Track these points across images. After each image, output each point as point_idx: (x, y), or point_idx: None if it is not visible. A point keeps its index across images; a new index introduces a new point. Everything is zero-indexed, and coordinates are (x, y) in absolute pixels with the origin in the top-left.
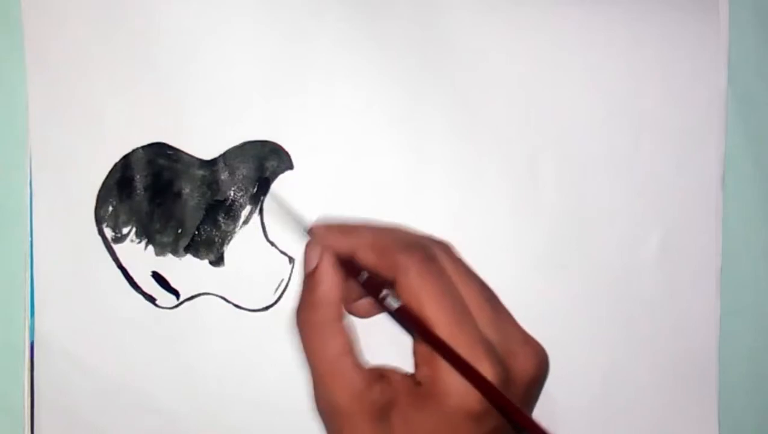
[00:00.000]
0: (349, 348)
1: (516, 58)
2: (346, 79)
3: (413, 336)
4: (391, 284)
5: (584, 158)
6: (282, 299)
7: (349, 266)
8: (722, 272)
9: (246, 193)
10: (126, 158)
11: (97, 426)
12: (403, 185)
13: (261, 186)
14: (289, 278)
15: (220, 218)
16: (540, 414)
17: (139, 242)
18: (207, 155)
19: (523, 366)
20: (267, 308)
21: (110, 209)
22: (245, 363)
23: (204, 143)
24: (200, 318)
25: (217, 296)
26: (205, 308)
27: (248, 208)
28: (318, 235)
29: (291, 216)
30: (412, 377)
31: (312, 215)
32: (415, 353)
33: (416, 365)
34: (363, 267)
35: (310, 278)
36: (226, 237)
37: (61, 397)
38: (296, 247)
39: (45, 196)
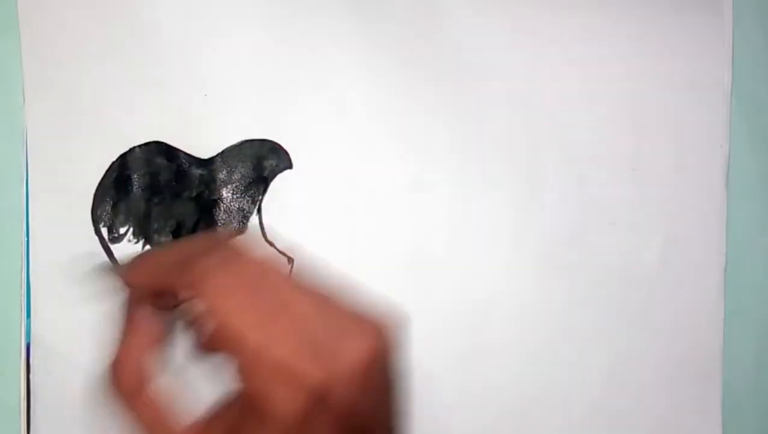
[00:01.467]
0: (171, 407)
1: (518, 58)
2: (346, 79)
3: (231, 358)
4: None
5: (586, 158)
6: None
7: (160, 300)
8: (726, 273)
9: (245, 192)
10: (123, 157)
11: (93, 426)
12: (403, 183)
13: (260, 185)
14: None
15: (218, 218)
16: (539, 414)
17: (137, 242)
18: (205, 154)
19: (345, 363)
20: None
21: (107, 208)
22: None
23: (202, 141)
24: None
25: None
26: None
27: (247, 207)
28: (128, 276)
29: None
30: (237, 396)
31: (311, 215)
32: (235, 371)
33: (240, 380)
34: (174, 299)
35: (127, 328)
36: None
37: (58, 397)
38: (296, 247)
39: (42, 195)
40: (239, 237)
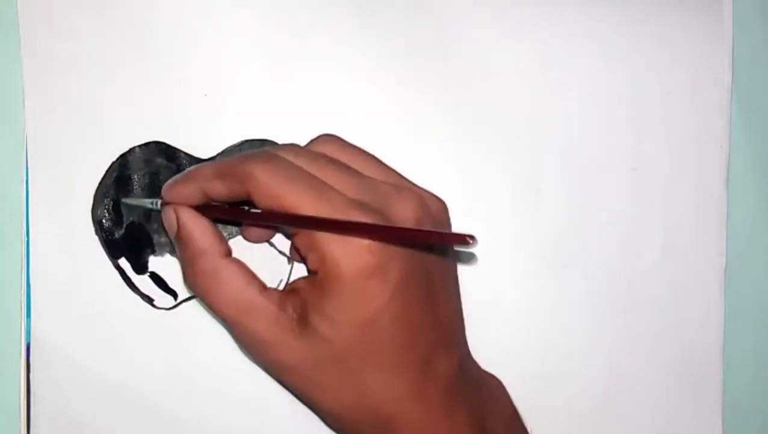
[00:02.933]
0: (248, 279)
1: (518, 57)
2: (347, 77)
3: (288, 234)
4: (249, 197)
5: (586, 157)
6: None
7: (208, 209)
8: (726, 273)
9: None
10: (123, 157)
11: (94, 427)
12: None
13: None
14: (288, 279)
15: None
16: (540, 414)
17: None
18: (205, 154)
19: (400, 212)
20: None
21: (107, 208)
22: (243, 364)
23: (202, 141)
24: (198, 319)
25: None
26: (204, 309)
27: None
28: (168, 194)
29: (142, 203)
30: (308, 274)
31: None
32: (297, 248)
33: (304, 259)
34: (218, 198)
35: (178, 239)
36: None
37: (58, 399)
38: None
39: (42, 195)
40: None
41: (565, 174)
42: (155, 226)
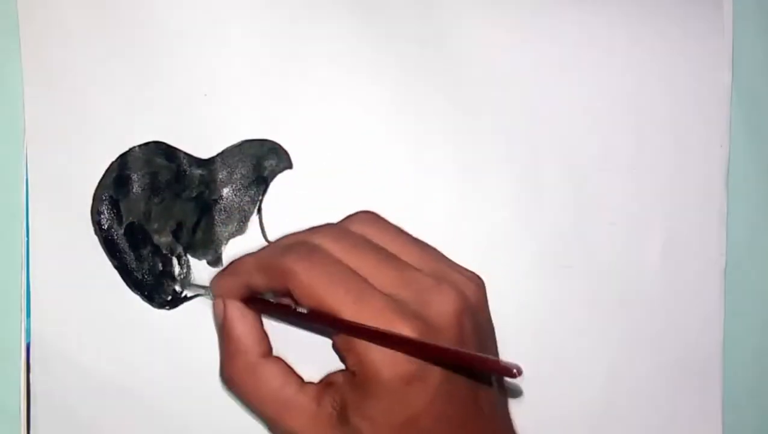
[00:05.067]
0: (286, 378)
1: (518, 57)
2: (346, 78)
3: (329, 333)
4: (290, 294)
5: (586, 157)
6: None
7: (256, 302)
8: (726, 273)
9: (245, 192)
10: (123, 156)
11: (94, 427)
12: (403, 184)
13: (260, 185)
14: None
15: (218, 218)
16: (540, 414)
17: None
18: (205, 154)
19: (439, 310)
20: None
21: (107, 208)
22: None
23: (202, 141)
24: (198, 319)
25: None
26: (204, 309)
27: (247, 207)
28: (215, 287)
29: (201, 291)
30: (347, 371)
31: (311, 215)
32: (337, 348)
33: (343, 359)
34: (262, 291)
35: (221, 332)
36: (224, 237)
37: (58, 398)
38: None
39: (41, 195)
40: (326, 227)
41: (565, 174)
42: (155, 226)
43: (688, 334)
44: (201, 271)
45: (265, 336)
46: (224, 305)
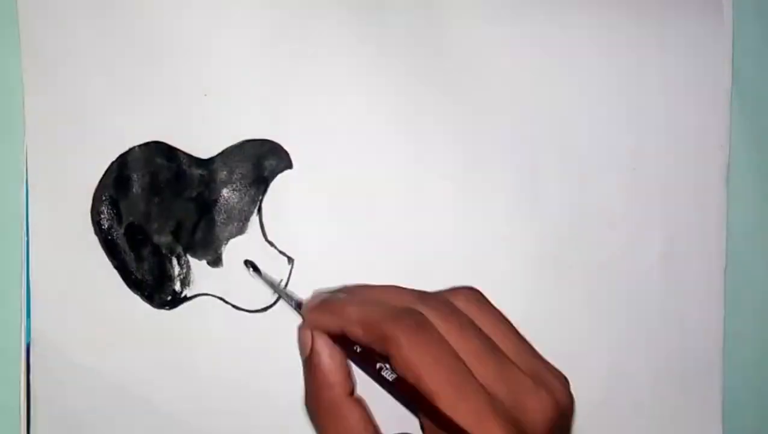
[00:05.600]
0: (367, 419)
1: (519, 57)
2: (347, 78)
3: (416, 410)
4: (385, 358)
5: (586, 158)
6: (281, 300)
7: (343, 342)
8: (726, 273)
9: (245, 192)
10: (123, 157)
11: (93, 427)
12: (403, 184)
13: (260, 185)
14: (288, 279)
15: (218, 218)
16: None
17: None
18: (205, 154)
19: (534, 416)
20: (266, 309)
21: (107, 208)
22: (244, 364)
23: (202, 141)
24: (198, 319)
25: (215, 297)
26: (204, 309)
27: (247, 207)
28: (307, 317)
29: (281, 293)
30: None
31: (311, 215)
32: (422, 427)
33: None
34: (355, 342)
35: (308, 362)
36: (224, 237)
37: (58, 398)
38: (295, 247)
39: (41, 195)
40: (436, 300)
41: (565, 174)
42: (155, 226)
43: (688, 334)
44: (201, 271)
45: (350, 374)
46: (313, 337)
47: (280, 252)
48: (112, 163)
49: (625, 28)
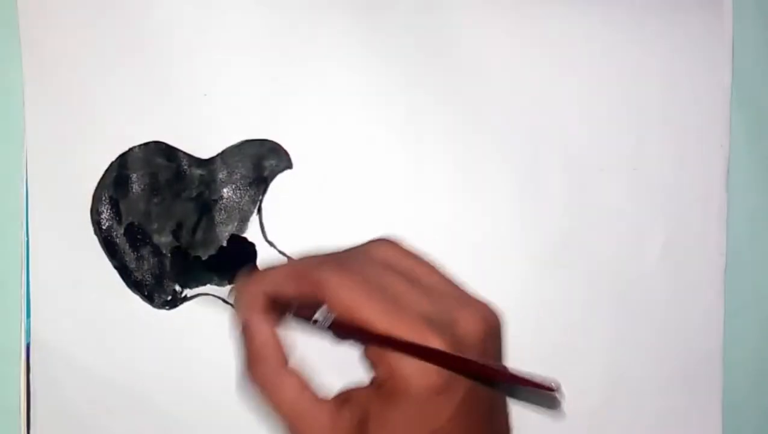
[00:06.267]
0: (303, 388)
1: (519, 57)
2: (347, 78)
3: (359, 344)
4: (320, 305)
5: (587, 157)
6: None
7: (279, 307)
8: (727, 273)
9: (245, 192)
10: (122, 157)
11: (93, 427)
12: (404, 183)
13: (260, 185)
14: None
15: (218, 218)
16: (541, 414)
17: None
18: (205, 154)
19: (466, 328)
20: None
21: (106, 208)
22: None
23: (202, 141)
24: (198, 319)
25: (215, 296)
26: (204, 309)
27: (247, 207)
28: (238, 292)
29: (217, 298)
30: (372, 383)
31: (311, 215)
32: (366, 358)
33: (372, 369)
34: (291, 301)
35: (243, 336)
36: (224, 237)
37: (58, 398)
38: (296, 247)
39: (41, 195)
40: (359, 248)
41: (566, 174)
42: (155, 226)
43: (688, 334)
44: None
45: (282, 345)
46: (247, 308)
47: (280, 252)
48: (112, 163)
49: (625, 28)
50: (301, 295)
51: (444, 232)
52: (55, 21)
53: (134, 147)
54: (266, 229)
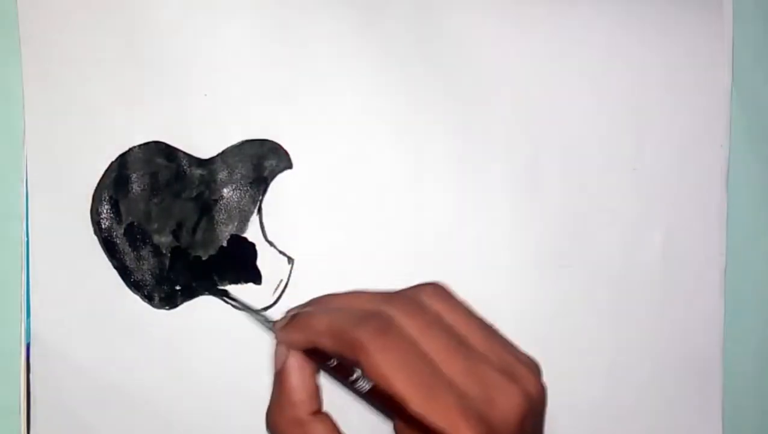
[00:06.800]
0: None
1: (517, 57)
2: (346, 78)
3: (391, 416)
4: (358, 366)
5: (586, 157)
6: (281, 300)
7: (317, 356)
8: (726, 272)
9: (245, 192)
10: (122, 156)
11: (93, 426)
12: (403, 183)
13: (260, 185)
14: (288, 279)
15: (218, 218)
16: None
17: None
18: (205, 154)
19: (503, 412)
20: (266, 309)
21: (106, 208)
22: (243, 364)
23: (202, 141)
24: (198, 319)
25: (215, 296)
26: (204, 309)
27: (247, 207)
28: (279, 335)
29: (255, 316)
30: None
31: (311, 215)
32: (396, 431)
33: None
34: (330, 354)
35: (278, 378)
36: (224, 237)
37: (58, 398)
38: (296, 247)
39: (41, 195)
40: (402, 298)
41: (565, 174)
42: (155, 226)
43: (687, 334)
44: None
45: (318, 392)
46: (286, 353)
47: (280, 252)
48: (112, 163)
49: (625, 28)
50: (341, 354)
51: (444, 232)
52: (55, 21)
53: (134, 147)
54: (266, 229)
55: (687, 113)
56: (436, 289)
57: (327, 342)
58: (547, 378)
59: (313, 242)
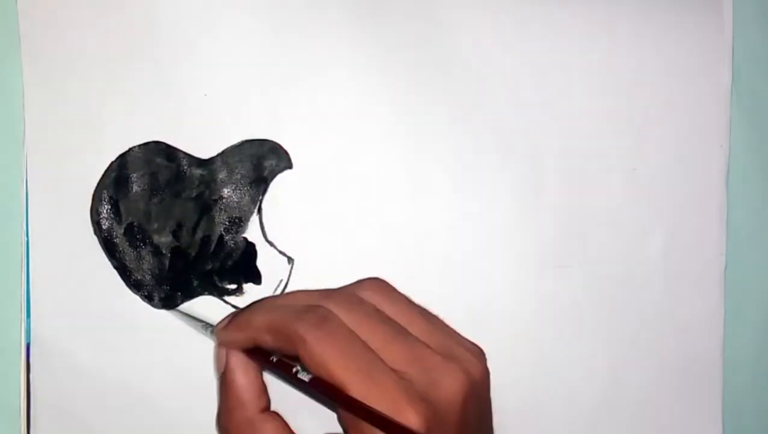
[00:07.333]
0: None
1: (518, 55)
2: (347, 77)
3: (333, 404)
4: (298, 359)
5: (587, 156)
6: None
7: (259, 354)
8: (727, 272)
9: (245, 192)
10: (122, 156)
11: (93, 427)
12: (403, 183)
13: (260, 185)
14: (288, 278)
15: (218, 218)
16: (540, 414)
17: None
18: (205, 154)
19: (447, 394)
20: None
21: (106, 208)
22: None
23: (202, 141)
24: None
25: (215, 296)
26: (204, 309)
27: (247, 208)
28: (219, 336)
29: (195, 323)
30: None
31: (311, 215)
32: (340, 420)
33: (344, 429)
34: (271, 351)
35: (222, 381)
36: (224, 237)
37: (58, 398)
38: (296, 247)
39: (41, 195)
40: (339, 293)
41: (565, 174)
42: (155, 226)
43: (688, 334)
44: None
45: (265, 389)
46: (228, 355)
47: (280, 252)
48: (112, 163)
49: (624, 28)
50: (282, 349)
51: (444, 232)
52: (55, 21)
53: (134, 147)
54: (266, 229)
55: (687, 113)
56: (376, 282)
57: (267, 339)
58: (547, 378)
59: (313, 242)
